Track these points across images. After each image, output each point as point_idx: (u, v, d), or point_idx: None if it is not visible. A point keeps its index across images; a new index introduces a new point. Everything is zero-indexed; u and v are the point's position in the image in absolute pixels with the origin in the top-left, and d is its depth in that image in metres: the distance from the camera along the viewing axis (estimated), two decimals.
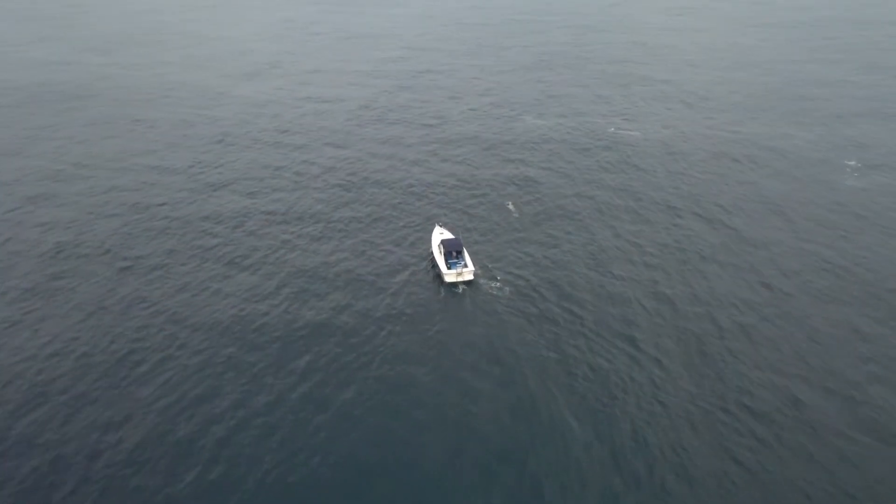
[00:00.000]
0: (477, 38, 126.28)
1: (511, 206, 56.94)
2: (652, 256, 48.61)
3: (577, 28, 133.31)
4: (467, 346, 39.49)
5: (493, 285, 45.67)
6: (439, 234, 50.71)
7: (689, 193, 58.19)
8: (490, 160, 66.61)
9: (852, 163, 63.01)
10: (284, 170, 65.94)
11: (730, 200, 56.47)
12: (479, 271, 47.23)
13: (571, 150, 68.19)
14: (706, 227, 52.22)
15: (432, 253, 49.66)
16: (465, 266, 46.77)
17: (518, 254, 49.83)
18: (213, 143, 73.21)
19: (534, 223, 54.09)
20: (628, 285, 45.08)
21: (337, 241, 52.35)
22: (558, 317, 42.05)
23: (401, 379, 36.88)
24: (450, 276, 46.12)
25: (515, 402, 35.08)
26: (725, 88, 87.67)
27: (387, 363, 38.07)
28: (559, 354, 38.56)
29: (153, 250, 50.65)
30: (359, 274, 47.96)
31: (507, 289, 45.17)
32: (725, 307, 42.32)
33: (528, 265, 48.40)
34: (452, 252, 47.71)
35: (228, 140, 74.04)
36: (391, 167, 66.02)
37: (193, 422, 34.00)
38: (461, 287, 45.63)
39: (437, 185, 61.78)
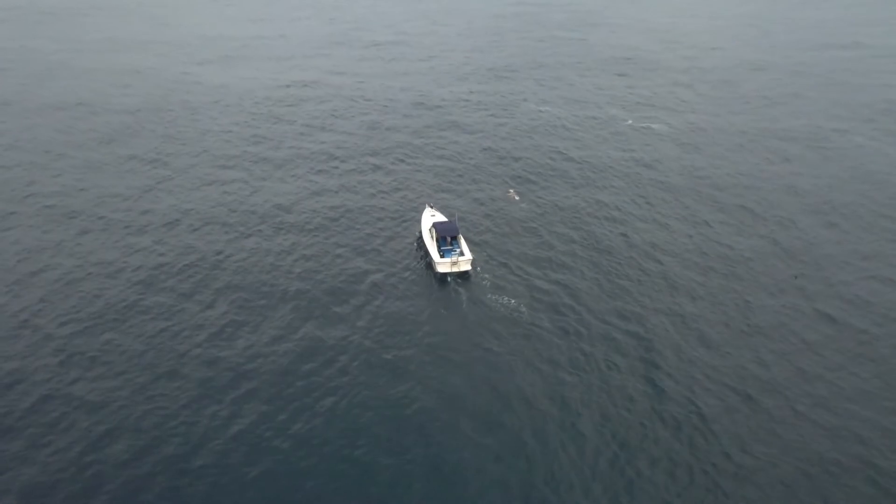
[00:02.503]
0: (474, 22, 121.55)
1: (513, 195, 51.21)
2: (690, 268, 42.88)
3: (581, 10, 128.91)
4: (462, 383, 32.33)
5: (501, 298, 38.32)
6: (430, 217, 44.77)
7: (724, 193, 52.77)
8: (487, 145, 61.05)
9: None
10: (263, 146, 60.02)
11: (763, 196, 51.10)
12: (477, 261, 41.32)
13: (581, 140, 62.81)
14: (740, 231, 46.70)
15: (422, 239, 43.70)
16: (462, 254, 40.79)
17: (522, 249, 43.99)
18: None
19: (538, 214, 48.32)
20: (657, 312, 39.02)
21: (315, 226, 46.43)
22: (575, 334, 36.03)
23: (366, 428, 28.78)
24: (443, 265, 40.10)
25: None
26: (752, 75, 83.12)
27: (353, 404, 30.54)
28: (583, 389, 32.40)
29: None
30: (341, 263, 41.91)
31: (520, 305, 37.38)
32: (766, 336, 36.51)
33: (534, 260, 42.57)
34: (446, 238, 41.75)
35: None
36: (379, 150, 60.30)
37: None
38: (457, 285, 39.46)
39: (430, 169, 56.04)
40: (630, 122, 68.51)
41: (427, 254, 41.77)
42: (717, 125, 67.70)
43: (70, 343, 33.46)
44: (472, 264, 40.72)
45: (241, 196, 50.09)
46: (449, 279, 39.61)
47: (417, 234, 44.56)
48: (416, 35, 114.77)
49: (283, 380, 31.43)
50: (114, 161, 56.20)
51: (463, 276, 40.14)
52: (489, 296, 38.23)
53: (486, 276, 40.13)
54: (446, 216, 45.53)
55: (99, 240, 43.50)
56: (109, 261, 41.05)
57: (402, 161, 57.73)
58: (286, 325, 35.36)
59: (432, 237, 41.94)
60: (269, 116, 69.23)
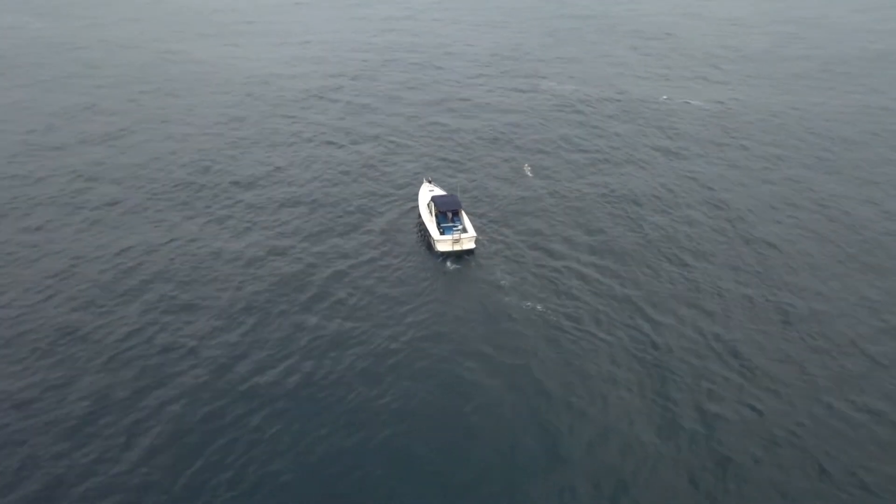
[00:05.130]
0: None
1: (527, 169, 47.02)
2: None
3: None
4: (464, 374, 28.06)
5: (510, 287, 34.04)
6: (429, 192, 40.92)
7: (765, 178, 47.50)
8: (502, 124, 56.82)
9: None
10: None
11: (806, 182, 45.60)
12: (482, 241, 37.16)
13: (610, 117, 58.02)
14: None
15: (420, 216, 39.81)
16: (464, 231, 36.78)
17: (534, 230, 39.75)
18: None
19: (558, 196, 43.96)
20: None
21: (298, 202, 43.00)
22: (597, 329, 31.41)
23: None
24: (443, 243, 36.09)
25: None
26: (794, 51, 77.12)
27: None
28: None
29: None
30: (323, 246, 38.31)
31: (536, 305, 31.53)
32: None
33: (548, 243, 38.28)
34: (447, 213, 37.86)
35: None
36: (383, 128, 56.67)
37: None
38: (459, 268, 35.34)
39: (435, 146, 52.14)
40: (665, 97, 63.57)
41: (426, 232, 37.88)
42: (762, 103, 62.14)
43: None
44: (477, 242, 36.66)
45: (225, 167, 47.05)
46: (449, 264, 35.36)
47: (417, 215, 40.66)
48: (425, 10, 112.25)
49: (223, 379, 27.74)
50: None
51: (466, 255, 36.09)
52: (498, 285, 33.80)
53: (496, 261, 35.72)
54: (446, 191, 41.72)
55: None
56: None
57: (404, 136, 53.96)
58: (251, 315, 31.77)
59: (431, 213, 38.09)
60: (250, 91, 66.70)
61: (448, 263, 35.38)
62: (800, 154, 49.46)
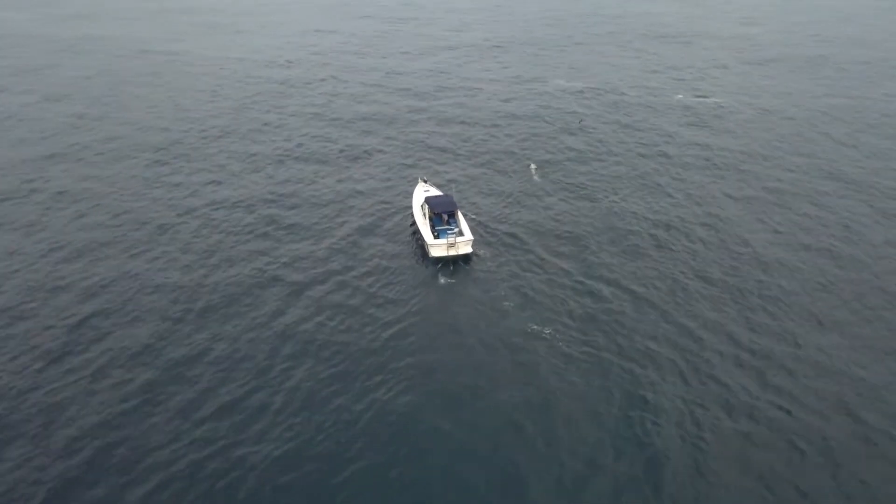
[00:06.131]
0: None
1: (533, 170, 43.77)
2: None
3: None
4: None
5: (509, 299, 30.55)
6: (423, 193, 37.65)
7: (787, 184, 44.08)
8: (508, 123, 53.49)
9: None
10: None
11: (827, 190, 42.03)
12: (479, 248, 33.81)
13: (618, 121, 54.66)
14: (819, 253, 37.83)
15: (413, 218, 36.52)
16: (460, 234, 33.45)
17: (540, 236, 36.43)
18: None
19: (557, 191, 40.68)
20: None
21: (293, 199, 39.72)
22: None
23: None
24: (438, 248, 32.78)
25: None
26: (810, 51, 73.87)
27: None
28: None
29: None
30: (303, 252, 35.00)
31: (542, 326, 27.63)
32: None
33: (557, 252, 34.94)
34: (442, 215, 34.51)
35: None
36: (379, 125, 53.45)
37: None
38: (448, 278, 31.98)
39: (431, 146, 48.88)
40: (680, 96, 60.22)
41: (419, 236, 34.57)
42: (776, 103, 58.73)
43: None
44: (473, 246, 33.33)
45: (201, 166, 43.96)
46: (442, 278, 31.75)
47: (409, 216, 37.40)
48: (432, 9, 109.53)
49: (173, 399, 24.33)
50: None
51: (462, 261, 32.75)
52: (498, 303, 30.20)
53: (496, 273, 32.06)
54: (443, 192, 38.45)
55: None
56: None
57: (400, 133, 50.71)
58: (209, 328, 28.43)
59: (425, 215, 34.78)
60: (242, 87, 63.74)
61: (441, 278, 31.68)
62: (813, 157, 45.97)
